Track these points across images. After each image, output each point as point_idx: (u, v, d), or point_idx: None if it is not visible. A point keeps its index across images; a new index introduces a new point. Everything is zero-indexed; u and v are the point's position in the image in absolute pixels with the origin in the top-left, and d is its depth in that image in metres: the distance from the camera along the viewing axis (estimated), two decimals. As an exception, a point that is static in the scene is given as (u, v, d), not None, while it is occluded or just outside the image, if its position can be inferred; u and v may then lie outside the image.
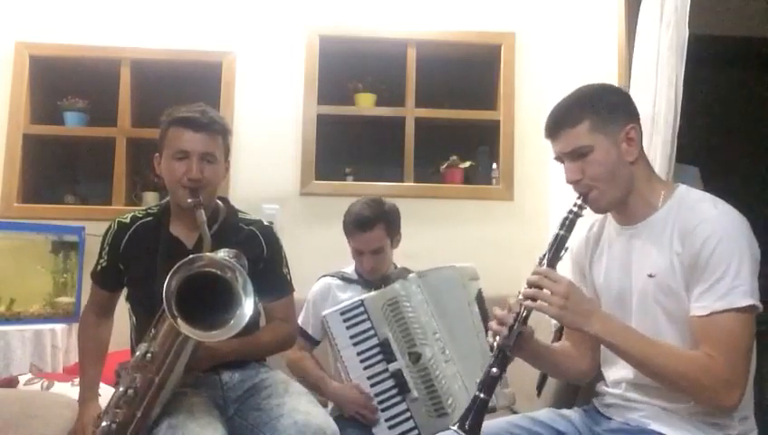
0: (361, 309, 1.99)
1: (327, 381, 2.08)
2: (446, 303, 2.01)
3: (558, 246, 1.40)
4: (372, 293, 2.04)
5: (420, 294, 2.01)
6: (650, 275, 1.39)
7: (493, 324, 1.40)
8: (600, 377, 1.60)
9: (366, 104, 3.21)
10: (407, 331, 1.98)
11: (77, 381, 1.97)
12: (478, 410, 1.32)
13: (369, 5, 3.19)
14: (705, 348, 1.29)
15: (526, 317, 1.37)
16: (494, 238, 3.09)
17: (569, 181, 1.45)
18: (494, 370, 1.35)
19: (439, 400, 1.96)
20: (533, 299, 1.35)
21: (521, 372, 2.06)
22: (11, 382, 2.19)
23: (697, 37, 2.07)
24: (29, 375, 2.27)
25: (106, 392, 1.82)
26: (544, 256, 1.40)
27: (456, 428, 1.32)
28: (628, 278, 1.46)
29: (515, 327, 1.36)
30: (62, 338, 2.65)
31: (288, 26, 3.16)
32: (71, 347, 2.69)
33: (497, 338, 1.37)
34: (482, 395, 1.33)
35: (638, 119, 1.45)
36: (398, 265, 2.28)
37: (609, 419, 1.50)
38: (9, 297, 2.71)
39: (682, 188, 1.45)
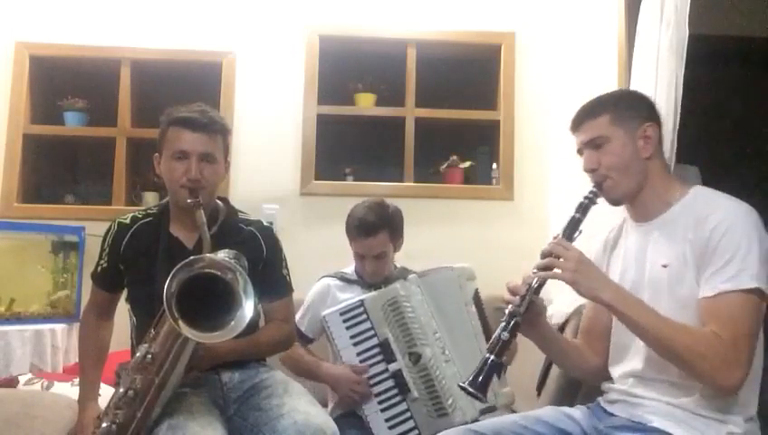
0: (361, 309, 1.99)
1: (319, 363, 2.10)
2: (445, 303, 2.01)
3: (573, 227, 1.47)
4: (372, 293, 2.04)
5: (420, 294, 2.01)
6: (664, 266, 1.44)
7: (505, 294, 1.45)
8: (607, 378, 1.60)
9: (366, 104, 3.21)
10: (407, 331, 1.98)
11: (77, 381, 1.97)
12: (488, 371, 1.38)
13: (369, 5, 3.19)
14: (712, 327, 1.33)
15: (539, 287, 1.44)
16: (494, 238, 3.09)
17: (586, 170, 1.53)
18: (505, 334, 1.40)
19: (439, 400, 1.96)
20: (547, 269, 1.41)
21: (521, 373, 2.07)
22: (11, 382, 2.19)
23: (697, 37, 2.07)
24: (29, 375, 2.27)
25: (106, 393, 1.82)
26: (558, 235, 1.46)
27: (466, 384, 1.37)
28: (642, 270, 1.50)
29: (527, 296, 1.42)
30: (62, 338, 2.65)
31: (288, 26, 3.16)
32: (71, 347, 2.69)
33: (509, 306, 1.43)
34: (492, 357, 1.38)
35: (659, 121, 1.53)
36: (398, 265, 2.28)
37: (613, 415, 1.51)
38: (9, 297, 2.71)
39: (698, 188, 1.51)
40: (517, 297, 1.42)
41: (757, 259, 1.33)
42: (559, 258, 1.40)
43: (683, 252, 1.41)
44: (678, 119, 2.05)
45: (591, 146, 1.51)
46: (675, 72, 2.00)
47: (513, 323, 1.41)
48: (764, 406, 1.44)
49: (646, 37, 2.13)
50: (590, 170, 1.51)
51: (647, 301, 1.44)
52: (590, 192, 1.50)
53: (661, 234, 1.48)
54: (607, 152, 1.49)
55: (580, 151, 1.55)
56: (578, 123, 1.55)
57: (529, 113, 3.19)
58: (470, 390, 1.36)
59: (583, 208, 1.48)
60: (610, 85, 2.54)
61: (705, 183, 2.77)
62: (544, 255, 1.42)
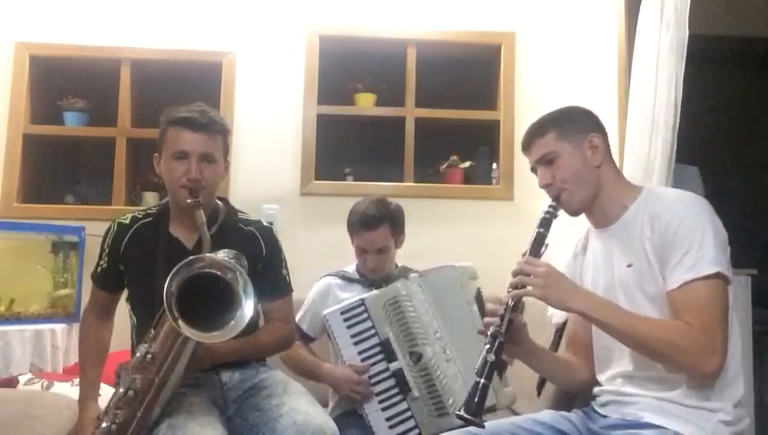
0: (362, 308, 1.99)
1: (320, 364, 2.10)
2: (447, 302, 2.01)
3: (538, 242, 1.52)
4: (373, 292, 2.04)
5: (421, 293, 2.01)
6: (629, 265, 1.50)
7: (486, 318, 1.51)
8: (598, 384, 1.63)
9: (366, 104, 3.21)
10: (408, 330, 1.98)
11: (77, 381, 1.97)
12: (481, 395, 1.40)
13: (369, 5, 3.19)
14: (683, 317, 1.38)
15: (515, 305, 1.48)
16: (494, 238, 3.08)
17: (541, 186, 1.60)
18: (491, 356, 1.44)
19: (440, 399, 1.96)
20: (519, 288, 1.46)
21: (521, 372, 2.06)
22: (11, 382, 2.19)
23: (697, 37, 2.08)
24: (29, 375, 2.27)
25: (106, 393, 1.82)
26: (525, 252, 1.52)
27: (462, 412, 1.39)
28: (611, 273, 1.55)
29: (506, 315, 1.46)
30: (62, 338, 2.64)
31: (288, 26, 3.16)
32: (71, 347, 2.68)
33: (491, 328, 1.47)
34: (482, 380, 1.42)
35: (603, 131, 1.60)
36: (399, 265, 2.29)
37: (606, 416, 1.53)
38: (9, 297, 2.71)
39: (649, 187, 1.61)
40: (497, 318, 1.47)
41: (713, 245, 1.38)
42: (528, 275, 1.44)
43: (643, 250, 1.46)
44: (678, 119, 2.05)
45: (543, 162, 1.57)
46: (675, 72, 2.01)
47: (496, 343, 1.45)
48: (760, 406, 1.45)
49: (646, 37, 2.13)
50: (546, 186, 1.58)
51: (621, 302, 1.48)
52: (550, 206, 1.55)
53: (623, 236, 1.53)
54: (558, 167, 1.55)
55: (534, 170, 1.62)
56: (527, 144, 1.62)
57: (529, 113, 3.16)
58: (467, 417, 1.38)
59: (546, 223, 1.54)
60: (610, 85, 2.54)
61: (705, 183, 2.78)
62: (515, 274, 1.47)
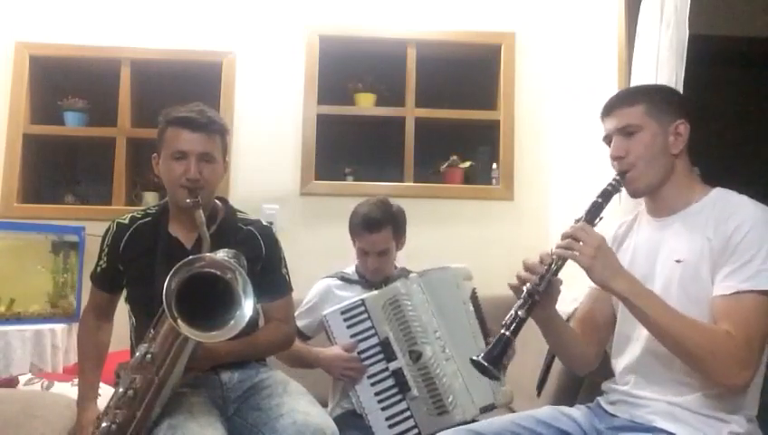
0: (362, 308, 2.00)
1: (310, 349, 2.10)
2: (444, 302, 2.01)
3: (594, 211, 1.44)
4: (373, 292, 2.04)
5: (421, 293, 2.01)
6: (678, 261, 1.42)
7: (521, 272, 1.43)
8: (606, 375, 1.60)
9: (366, 104, 3.22)
10: (407, 329, 1.98)
11: (77, 380, 1.97)
12: (503, 347, 1.35)
13: (369, 5, 3.19)
14: (725, 326, 1.31)
15: (559, 267, 1.41)
16: (494, 238, 3.09)
17: (613, 157, 1.50)
18: (521, 312, 1.37)
19: (440, 398, 1.96)
20: (567, 250, 1.39)
21: (520, 372, 2.07)
22: (11, 382, 2.19)
23: (697, 37, 2.07)
24: (29, 375, 2.27)
25: (106, 393, 1.82)
26: (580, 218, 1.44)
27: (480, 357, 1.34)
28: (652, 265, 1.49)
29: (547, 275, 1.40)
30: (62, 338, 2.65)
31: (288, 26, 3.16)
32: (71, 347, 2.69)
33: (527, 284, 1.40)
34: (508, 334, 1.36)
35: (691, 120, 1.50)
36: (398, 266, 2.29)
37: (614, 416, 1.51)
38: (9, 297, 2.71)
39: (720, 190, 1.49)
40: (536, 276, 1.40)
41: None
42: (579, 241, 1.37)
43: (700, 249, 1.39)
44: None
45: (622, 133, 1.49)
46: (675, 72, 2.00)
47: (531, 301, 1.38)
48: (765, 407, 1.44)
49: (646, 37, 2.13)
50: (617, 158, 1.49)
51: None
52: (614, 180, 1.48)
53: (678, 230, 1.46)
54: (637, 141, 1.47)
55: (607, 138, 1.53)
56: (611, 109, 1.52)
57: (529, 113, 3.19)
58: (484, 363, 1.33)
59: (607, 195, 1.46)
60: (610, 86, 2.53)
61: (705, 183, 2.77)
62: (565, 236, 1.40)
